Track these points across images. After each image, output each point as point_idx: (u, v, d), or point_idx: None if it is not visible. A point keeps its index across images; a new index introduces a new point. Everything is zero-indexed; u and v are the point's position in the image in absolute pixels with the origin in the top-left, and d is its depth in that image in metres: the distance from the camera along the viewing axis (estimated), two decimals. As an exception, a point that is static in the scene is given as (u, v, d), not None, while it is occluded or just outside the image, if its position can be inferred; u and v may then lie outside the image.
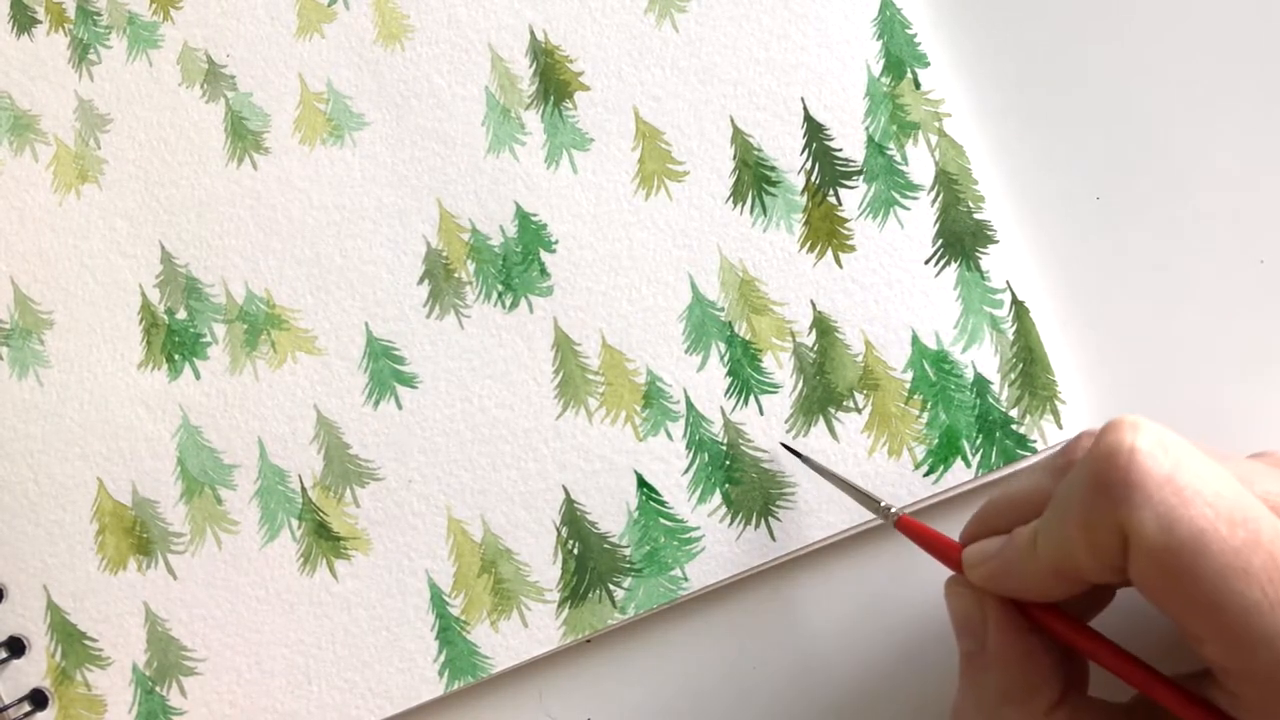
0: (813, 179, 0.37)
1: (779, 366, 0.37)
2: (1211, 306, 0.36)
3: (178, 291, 0.41)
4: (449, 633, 0.38)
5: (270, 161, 0.40)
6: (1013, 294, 0.36)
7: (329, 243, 0.40)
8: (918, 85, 0.37)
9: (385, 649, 0.38)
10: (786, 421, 0.37)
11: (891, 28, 0.37)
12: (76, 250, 0.41)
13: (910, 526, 0.32)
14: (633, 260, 0.38)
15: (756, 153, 0.38)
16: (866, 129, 0.37)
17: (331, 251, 0.40)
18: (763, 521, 0.36)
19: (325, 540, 0.39)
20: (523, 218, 0.39)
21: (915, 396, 0.36)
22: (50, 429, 0.41)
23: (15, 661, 0.40)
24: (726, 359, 0.37)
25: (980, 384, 0.36)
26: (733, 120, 0.38)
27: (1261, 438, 0.34)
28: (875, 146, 0.37)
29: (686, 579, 0.37)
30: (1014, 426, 0.35)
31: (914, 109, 0.37)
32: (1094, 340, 0.36)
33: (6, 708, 0.40)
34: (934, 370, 0.36)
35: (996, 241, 0.36)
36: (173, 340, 0.41)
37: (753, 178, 0.38)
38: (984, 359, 0.36)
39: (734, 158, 0.38)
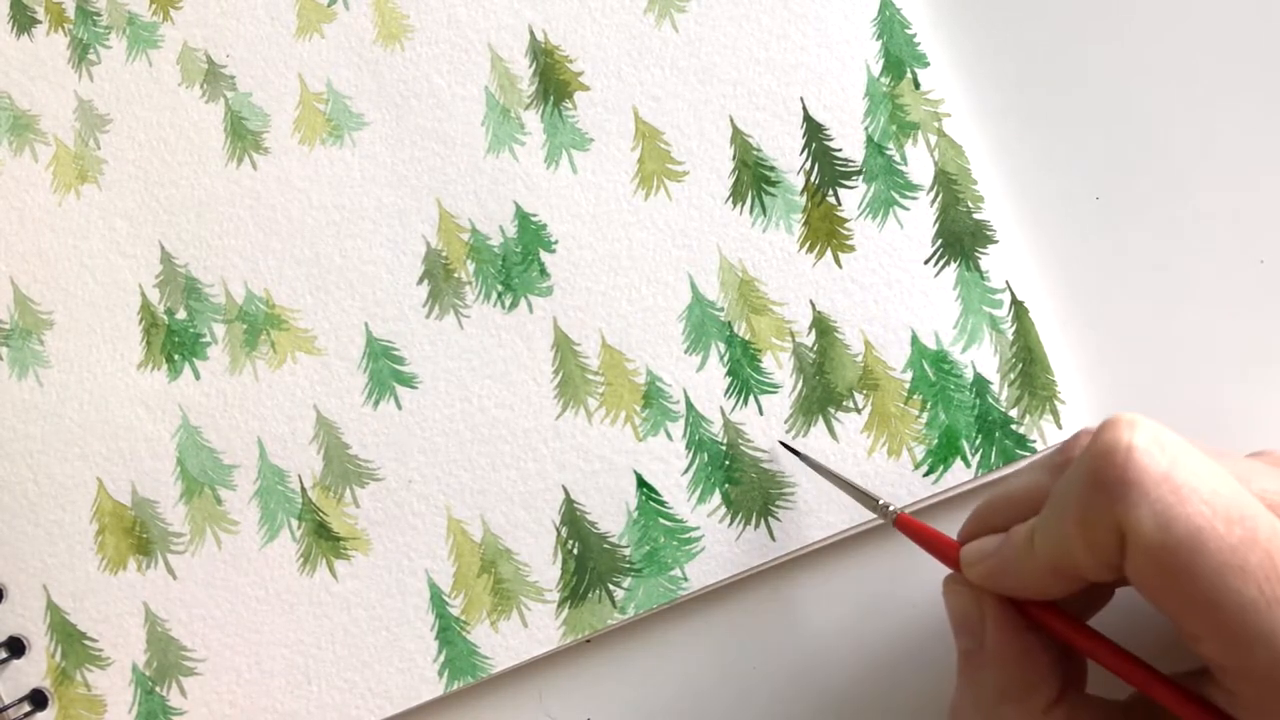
0: (812, 179, 0.37)
1: (779, 366, 0.37)
2: (1211, 306, 0.36)
3: (177, 291, 0.41)
4: (449, 633, 0.38)
5: (270, 161, 0.40)
6: (1012, 294, 0.36)
7: (329, 243, 0.40)
8: (917, 85, 0.37)
9: (385, 649, 0.38)
10: (786, 421, 0.37)
11: (891, 28, 0.37)
12: (76, 250, 0.41)
13: (909, 525, 0.32)
14: (632, 260, 0.38)
15: (756, 153, 0.38)
16: (866, 129, 0.37)
17: (331, 251, 0.40)
18: (762, 521, 0.36)
19: (325, 540, 0.39)
20: (522, 218, 0.39)
21: (915, 396, 0.36)
22: (50, 429, 0.41)
23: (15, 661, 0.40)
24: (726, 359, 0.37)
25: (980, 384, 0.36)
26: (732, 120, 0.38)
27: (1261, 437, 0.34)
28: (875, 146, 0.37)
29: (686, 579, 0.37)
30: (1013, 426, 0.35)
31: (913, 109, 0.37)
32: (1094, 340, 0.36)
33: (6, 708, 0.40)
34: (933, 370, 0.36)
35: (996, 241, 0.36)
36: (172, 340, 0.41)
37: (752, 178, 0.38)
38: (983, 359, 0.36)
39: (733, 158, 0.38)
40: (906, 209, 0.37)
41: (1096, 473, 0.24)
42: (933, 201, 0.36)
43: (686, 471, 0.37)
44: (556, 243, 0.39)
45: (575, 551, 0.38)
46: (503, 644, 0.38)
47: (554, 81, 0.39)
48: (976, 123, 0.37)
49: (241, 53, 0.41)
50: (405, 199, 0.39)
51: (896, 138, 0.37)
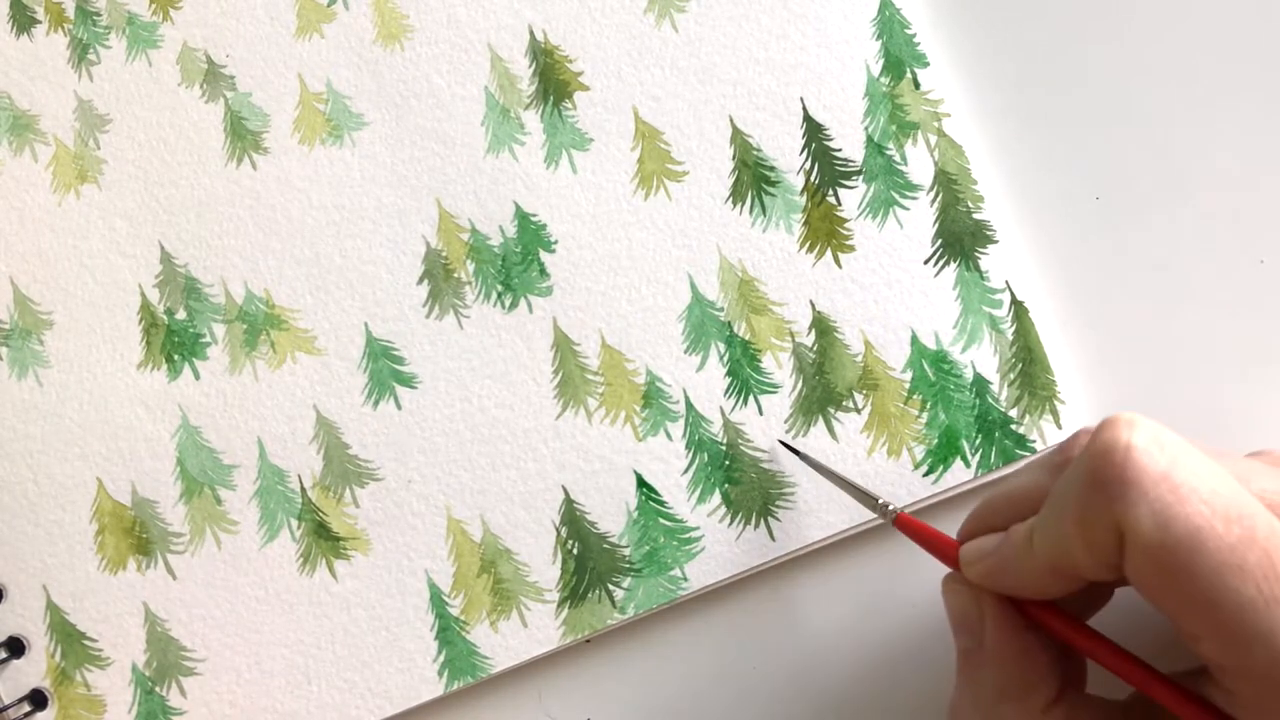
0: (812, 179, 0.37)
1: (778, 366, 0.37)
2: (1211, 306, 0.36)
3: (177, 291, 0.41)
4: (448, 633, 0.38)
5: (270, 161, 0.40)
6: (1012, 294, 0.36)
7: (328, 243, 0.40)
8: (917, 85, 0.37)
9: (385, 649, 0.38)
10: (786, 421, 0.37)
11: (891, 28, 0.37)
12: (76, 250, 0.41)
13: (908, 524, 0.32)
14: (632, 260, 0.38)
15: (756, 153, 0.38)
16: (866, 129, 0.37)
17: (331, 251, 0.40)
18: (762, 521, 0.36)
19: (325, 540, 0.39)
20: (522, 218, 0.39)
21: (915, 396, 0.36)
22: (50, 429, 0.41)
23: (15, 661, 0.40)
24: (726, 359, 0.37)
25: (980, 384, 0.36)
26: (732, 120, 0.38)
27: (1261, 437, 0.34)
28: (874, 146, 0.37)
29: (686, 579, 0.37)
30: (1013, 426, 0.35)
31: (913, 109, 0.37)
32: (1094, 340, 0.36)
33: (6, 708, 0.40)
34: (933, 370, 0.36)
35: (996, 241, 0.36)
36: (172, 340, 0.41)
37: (752, 178, 0.38)
38: (983, 359, 0.36)
39: (733, 158, 0.38)
40: (906, 209, 0.37)
41: (1095, 472, 0.24)
42: (933, 201, 0.36)
43: (686, 471, 0.37)
44: (556, 243, 0.39)
45: (575, 551, 0.38)
46: (502, 644, 0.38)
47: (554, 81, 0.39)
48: (976, 123, 0.37)
49: (241, 53, 0.41)
50: (405, 199, 0.39)
51: (896, 138, 0.37)
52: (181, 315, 0.41)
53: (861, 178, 0.37)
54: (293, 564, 0.39)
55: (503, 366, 0.39)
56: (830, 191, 0.37)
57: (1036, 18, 0.37)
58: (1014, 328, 0.36)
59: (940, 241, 0.36)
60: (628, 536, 0.37)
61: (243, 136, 0.41)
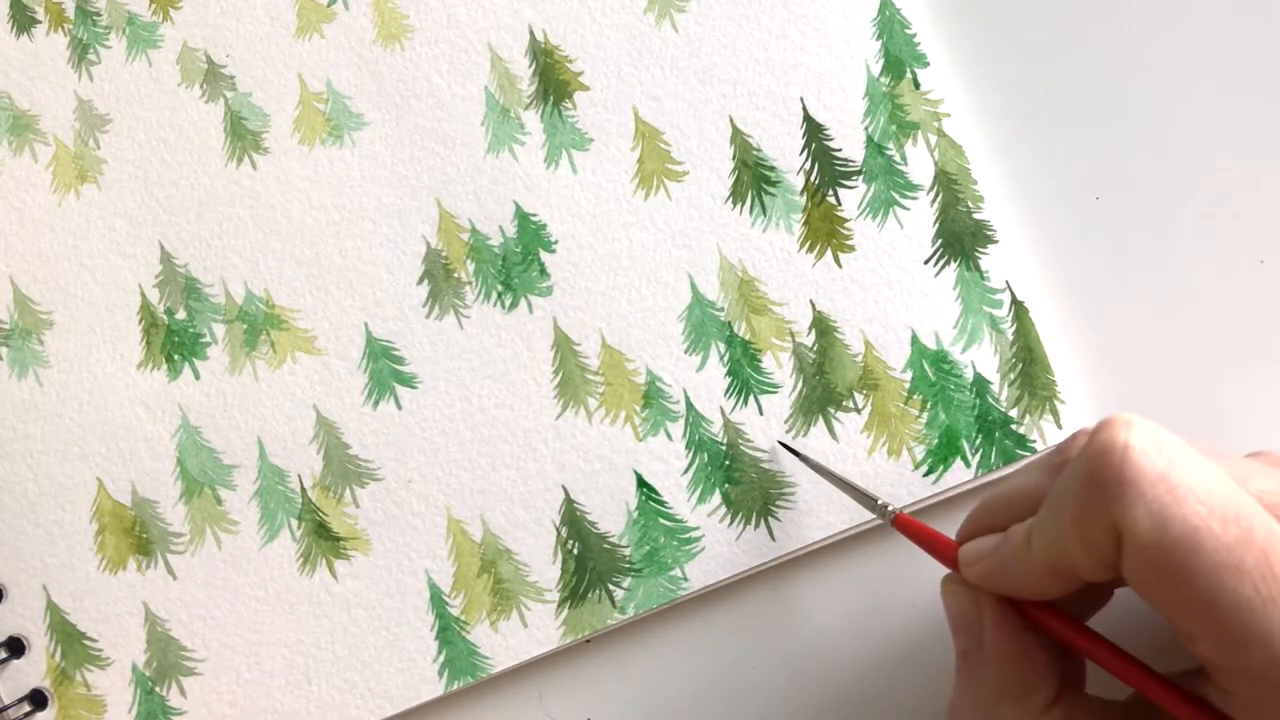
0: (812, 179, 0.37)
1: (778, 366, 0.37)
2: (1211, 306, 0.36)
3: (177, 291, 0.41)
4: (449, 633, 0.38)
5: (270, 161, 0.40)
6: (1012, 294, 0.36)
7: (329, 243, 0.40)
8: (917, 85, 0.37)
9: (385, 649, 0.38)
10: (786, 421, 0.37)
11: (891, 28, 0.37)
12: (76, 250, 0.41)
13: (907, 524, 0.32)
14: (632, 260, 0.38)
15: (756, 153, 0.38)
16: (866, 129, 0.37)
17: (331, 251, 0.40)
18: (762, 521, 0.36)
19: (325, 540, 0.39)
20: (522, 218, 0.39)
21: (915, 396, 0.36)
22: (50, 429, 0.41)
23: (15, 661, 0.40)
24: (726, 359, 0.37)
25: (980, 384, 0.36)
26: (732, 120, 0.38)
27: (1261, 437, 0.34)
28: (874, 146, 0.37)
29: (686, 579, 0.37)
30: (1013, 426, 0.35)
31: (913, 109, 0.37)
32: (1094, 340, 0.36)
33: (6, 708, 0.40)
34: (933, 370, 0.36)
35: (996, 241, 0.36)
36: (172, 340, 0.41)
37: (752, 178, 0.38)
38: (983, 359, 0.36)
39: (733, 158, 0.38)
40: (906, 209, 0.37)
41: (1093, 472, 0.24)
42: (933, 201, 0.36)
43: (686, 471, 0.37)
44: (556, 243, 0.39)
45: (575, 551, 0.38)
46: (503, 644, 0.38)
47: (554, 81, 0.39)
48: (976, 123, 0.37)
49: (241, 53, 0.41)
50: (405, 199, 0.39)
51: (896, 138, 0.37)
52: (181, 315, 0.41)
53: (861, 178, 0.37)
54: (293, 564, 0.39)
55: (503, 366, 0.39)
56: (830, 191, 0.37)
57: (1036, 18, 0.37)
58: (1014, 328, 0.36)
59: (940, 241, 0.36)
60: (628, 536, 0.37)
61: (243, 136, 0.41)
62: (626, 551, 0.37)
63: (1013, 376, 0.36)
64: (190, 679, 0.40)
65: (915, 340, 0.36)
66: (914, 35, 0.37)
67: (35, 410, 0.41)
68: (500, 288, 0.39)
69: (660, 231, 0.38)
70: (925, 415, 0.36)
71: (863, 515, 0.35)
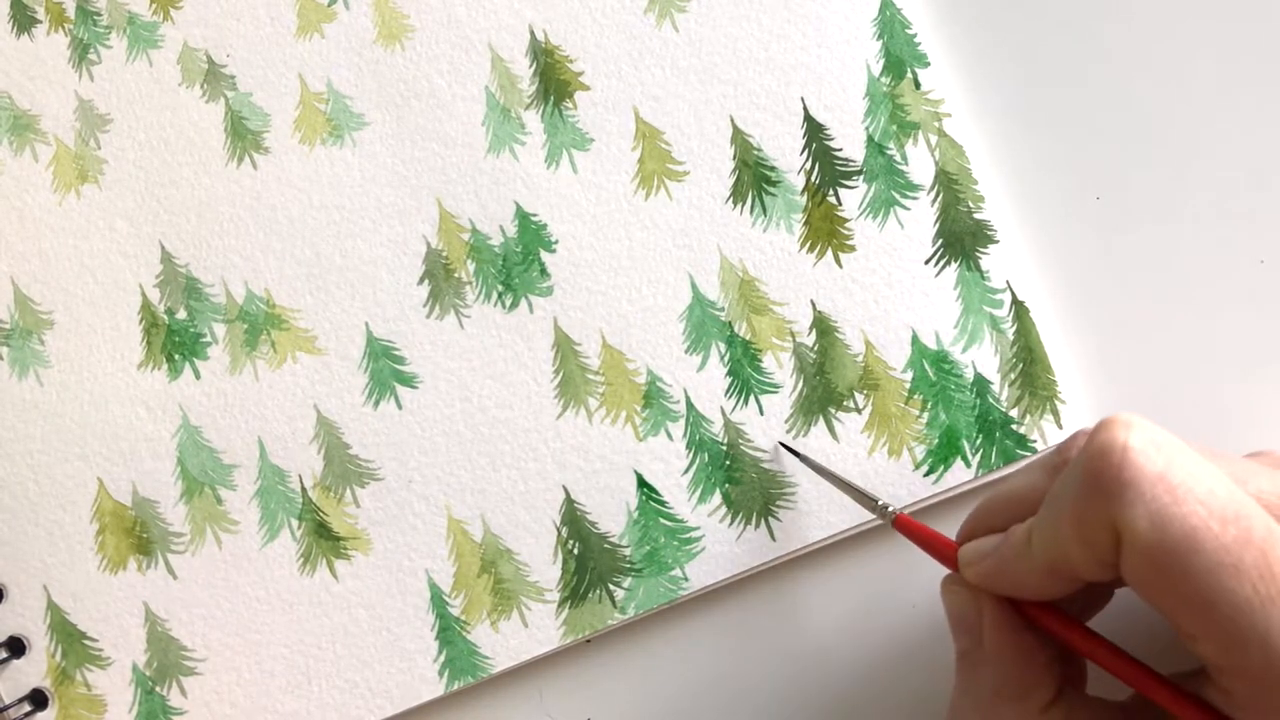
0: (813, 179, 0.37)
1: (779, 366, 0.37)
2: (1211, 306, 0.36)
3: (178, 291, 0.41)
4: (449, 633, 0.38)
5: (270, 161, 0.40)
6: (1013, 294, 0.36)
7: (329, 243, 0.40)
8: (918, 85, 0.37)
9: (385, 649, 0.38)
10: (786, 421, 0.37)
11: (891, 28, 0.37)
12: (76, 250, 0.41)
13: (907, 525, 0.32)
14: (633, 260, 0.38)
15: (756, 153, 0.38)
16: (866, 129, 0.37)
17: (331, 251, 0.40)
18: (763, 521, 0.36)
19: (325, 540, 0.39)
20: (523, 218, 0.39)
21: (915, 396, 0.36)
22: (50, 429, 0.41)
23: (15, 661, 0.40)
24: (726, 359, 0.37)
25: (980, 384, 0.36)
26: (733, 120, 0.38)
27: (1261, 437, 0.34)
28: (875, 146, 0.37)
29: (686, 579, 0.37)
30: (1014, 426, 0.35)
31: (914, 109, 0.37)
32: (1094, 340, 0.36)
33: (6, 708, 0.40)
34: (934, 370, 0.36)
35: (996, 241, 0.36)
36: (173, 340, 0.41)
37: (753, 178, 0.38)
38: (984, 359, 0.36)
39: (734, 158, 0.38)
40: (907, 209, 0.37)
41: (1092, 473, 0.24)
42: (933, 201, 0.37)
43: (687, 471, 0.37)
44: (557, 243, 0.39)
45: (575, 551, 0.38)
46: (503, 644, 0.38)
47: (554, 81, 0.39)
48: (976, 123, 0.37)
49: (242, 53, 0.41)
50: (405, 199, 0.39)
51: (897, 138, 0.37)
52: (182, 315, 0.41)
53: (862, 178, 0.37)
54: (293, 564, 0.39)
55: (503, 366, 0.39)
56: (831, 191, 0.37)
57: (1037, 18, 0.37)
58: (1014, 328, 0.36)
59: (941, 241, 0.36)
60: (628, 536, 0.37)
61: (243, 136, 0.41)
62: (627, 551, 0.37)
63: (1013, 376, 0.36)
64: (190, 679, 0.40)
65: (916, 340, 0.36)
66: (914, 35, 0.37)
67: (35, 410, 0.41)
68: (501, 288, 0.39)
69: (661, 231, 0.38)
70: (926, 415, 0.36)
71: (863, 515, 0.35)
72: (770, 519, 0.36)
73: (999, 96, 0.37)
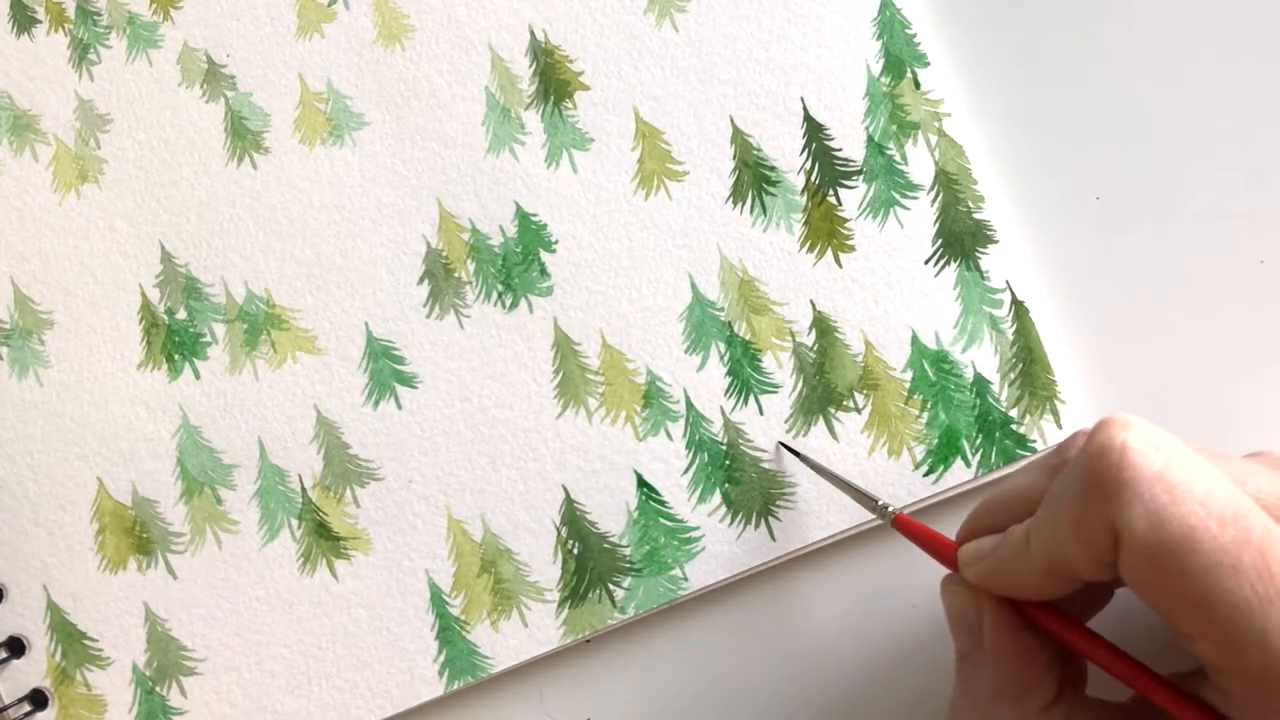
0: (812, 179, 0.37)
1: (779, 366, 0.37)
2: (1211, 306, 0.36)
3: (178, 291, 0.41)
4: (449, 633, 0.38)
5: (270, 161, 0.40)
6: (1012, 294, 0.36)
7: (329, 243, 0.40)
8: (917, 85, 0.37)
9: (385, 649, 0.38)
10: (786, 421, 0.37)
11: (891, 28, 0.37)
12: (76, 250, 0.41)
13: (907, 525, 0.32)
14: (633, 260, 0.38)
15: (756, 153, 0.38)
16: (866, 129, 0.37)
17: (331, 251, 0.40)
18: (762, 521, 0.36)
19: (325, 540, 0.39)
20: (523, 218, 0.39)
21: (915, 396, 0.36)
22: (50, 429, 0.41)
23: (15, 661, 0.40)
24: (726, 359, 0.37)
25: (980, 384, 0.36)
26: (733, 120, 0.38)
27: (1261, 438, 0.34)
28: (875, 146, 0.37)
29: (686, 579, 0.37)
30: (1014, 426, 0.35)
31: (914, 109, 0.37)
32: (1094, 340, 0.36)
33: (6, 708, 0.40)
34: (934, 370, 0.36)
35: (996, 241, 0.36)
36: (173, 340, 0.41)
37: (753, 178, 0.38)
38: (984, 359, 0.36)
39: (734, 158, 0.38)
40: (907, 209, 0.37)
41: (1091, 473, 0.24)
42: (933, 201, 0.37)
43: (686, 471, 0.37)
44: (557, 243, 0.39)
45: (575, 551, 0.38)
46: (503, 644, 0.38)
47: (554, 81, 0.39)
48: (976, 123, 0.37)
49: (242, 52, 0.41)
50: (405, 199, 0.39)
51: (897, 138, 0.37)
52: (182, 315, 0.41)
53: (862, 178, 0.37)
54: (293, 564, 0.39)
55: (503, 366, 0.39)
56: (831, 191, 0.37)
57: (1037, 18, 0.37)
58: (1014, 328, 0.36)
59: (941, 241, 0.36)
60: (628, 536, 0.37)
61: (243, 136, 0.41)
62: (626, 551, 0.37)
63: (1013, 376, 0.36)
64: (190, 679, 0.40)
65: (915, 340, 0.36)
66: (914, 35, 0.37)
67: (35, 410, 0.41)
68: (500, 288, 0.39)
69: (660, 231, 0.38)
70: (925, 415, 0.36)
71: (863, 515, 0.35)
72: (770, 519, 0.36)
73: (999, 96, 0.37)
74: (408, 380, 0.39)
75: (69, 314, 0.41)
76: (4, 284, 0.42)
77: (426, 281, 0.39)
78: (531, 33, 0.39)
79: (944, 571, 0.31)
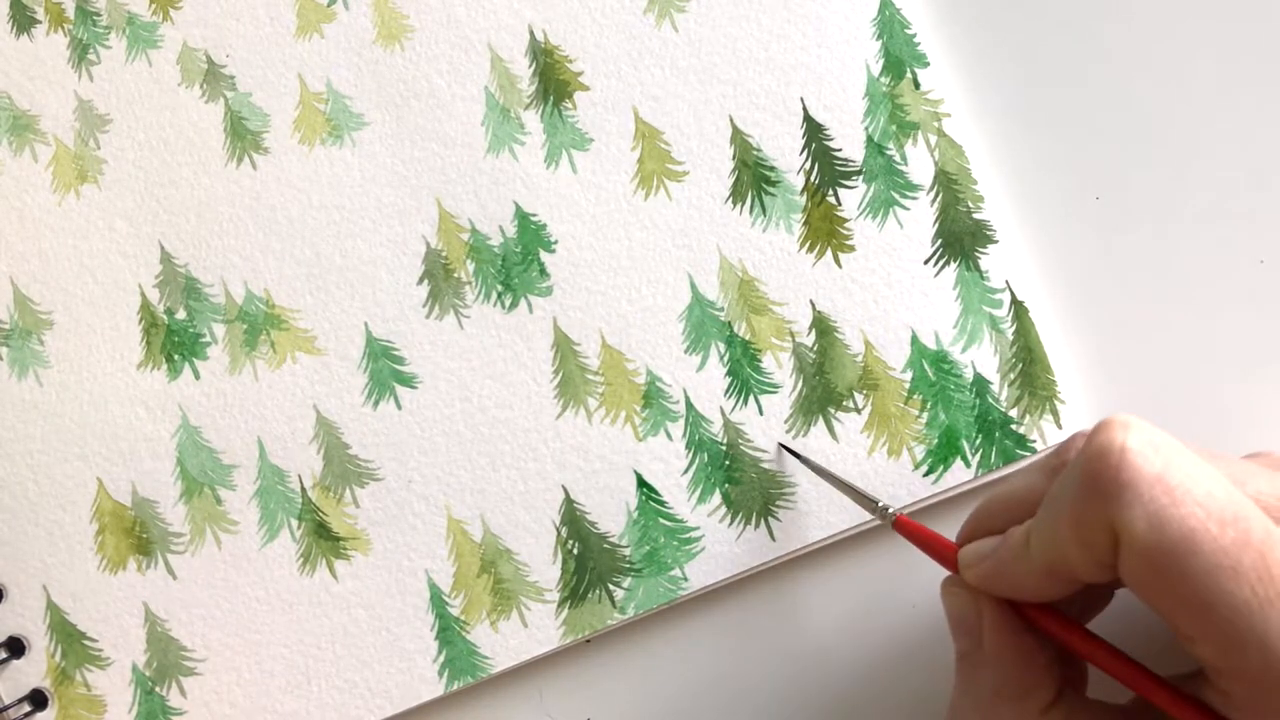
0: (812, 179, 0.37)
1: (778, 366, 0.37)
2: (1211, 306, 0.36)
3: (177, 291, 0.41)
4: (449, 633, 0.38)
5: (270, 161, 0.40)
6: (1012, 294, 0.36)
7: (329, 243, 0.40)
8: (917, 85, 0.37)
9: (385, 649, 0.38)
10: (786, 421, 0.37)
11: (891, 28, 0.37)
12: (76, 250, 0.41)
13: (907, 527, 0.32)
14: (632, 260, 0.38)
15: (756, 153, 0.38)
16: (866, 129, 0.37)
17: (331, 251, 0.40)
18: (762, 521, 0.36)
19: (325, 540, 0.39)
20: (522, 218, 0.39)
21: (915, 396, 0.36)
22: (50, 429, 0.41)
23: (15, 661, 0.40)
24: (726, 359, 0.37)
25: (980, 384, 0.36)
26: (732, 120, 0.38)
27: (1261, 438, 0.34)
28: (875, 146, 0.37)
29: (686, 579, 0.37)
30: (1013, 426, 0.35)
31: (913, 109, 0.37)
32: (1094, 340, 0.36)
33: (6, 708, 0.40)
34: (933, 370, 0.36)
35: (996, 241, 0.36)
36: (172, 340, 0.41)
37: (752, 178, 0.38)
38: (983, 359, 0.36)
39: (733, 158, 0.38)
40: (906, 209, 0.37)
41: (1090, 474, 0.24)
42: (933, 201, 0.36)
43: (686, 471, 0.37)
44: (556, 243, 0.39)
45: (575, 551, 0.38)
46: (503, 644, 0.38)
47: (554, 81, 0.39)
48: (976, 123, 0.37)
49: (241, 53, 0.41)
50: (405, 199, 0.39)
51: (896, 138, 0.37)
52: (181, 315, 0.41)
53: (861, 178, 0.37)
54: (293, 564, 0.39)
55: (503, 366, 0.39)
56: (830, 191, 0.37)
57: (1037, 18, 0.37)
58: (1014, 328, 0.36)
59: (940, 241, 0.36)
60: (628, 536, 0.37)
61: (243, 136, 0.41)
62: (626, 551, 0.37)
63: (1013, 376, 0.36)
64: (190, 679, 0.40)
65: (915, 340, 0.36)
66: (914, 35, 0.37)
67: (35, 410, 0.41)
68: (500, 288, 0.39)
69: (660, 231, 0.38)
70: (925, 415, 0.36)
71: (863, 515, 0.35)
72: (770, 519, 0.36)
73: (999, 96, 0.37)
74: (407, 380, 0.39)
75: (69, 314, 0.41)
76: (4, 284, 0.42)
77: (426, 281, 0.39)
78: (531, 33, 0.39)
79: (944, 572, 0.31)
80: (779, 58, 0.38)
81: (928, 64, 0.37)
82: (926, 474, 0.36)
